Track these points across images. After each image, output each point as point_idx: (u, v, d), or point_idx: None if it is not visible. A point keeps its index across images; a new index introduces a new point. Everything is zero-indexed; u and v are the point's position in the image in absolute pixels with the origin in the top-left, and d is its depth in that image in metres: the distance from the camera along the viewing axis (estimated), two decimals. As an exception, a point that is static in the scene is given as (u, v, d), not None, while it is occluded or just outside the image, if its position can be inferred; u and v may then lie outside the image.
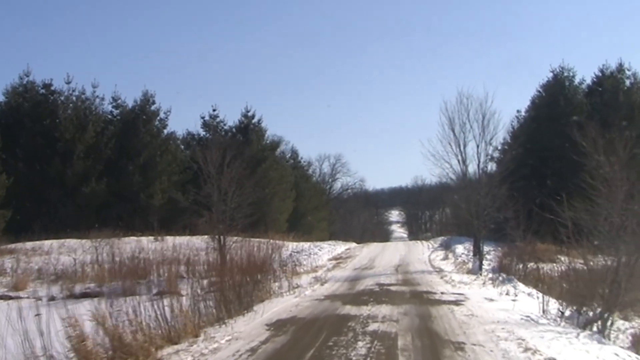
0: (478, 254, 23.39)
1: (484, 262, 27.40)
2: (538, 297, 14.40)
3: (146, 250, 28.80)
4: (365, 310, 13.18)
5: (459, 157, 23.25)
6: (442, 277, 20.84)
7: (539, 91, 42.59)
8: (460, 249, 32.27)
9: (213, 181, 24.31)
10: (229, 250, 24.14)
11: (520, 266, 25.20)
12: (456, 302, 14.20)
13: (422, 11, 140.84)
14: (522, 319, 11.51)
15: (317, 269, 24.78)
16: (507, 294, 15.77)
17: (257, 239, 33.72)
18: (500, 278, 19.43)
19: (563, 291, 14.84)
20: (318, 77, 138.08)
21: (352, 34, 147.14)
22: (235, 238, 24.45)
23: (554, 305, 12.92)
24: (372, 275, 21.84)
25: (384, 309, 13.17)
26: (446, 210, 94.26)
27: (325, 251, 33.73)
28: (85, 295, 19.21)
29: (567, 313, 11.70)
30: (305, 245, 35.75)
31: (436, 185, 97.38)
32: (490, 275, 22.05)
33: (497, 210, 21.81)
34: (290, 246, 34.19)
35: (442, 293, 16.34)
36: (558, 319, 11.42)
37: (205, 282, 21.41)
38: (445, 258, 29.02)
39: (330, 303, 14.61)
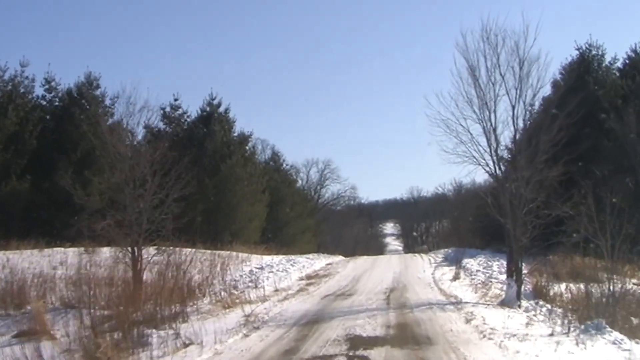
0: (515, 274, 15.45)
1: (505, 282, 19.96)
2: None
3: (67, 265, 21.98)
4: None
5: (485, 123, 15.25)
6: (468, 320, 12.52)
7: (562, 73, 35.29)
8: (473, 264, 24.85)
9: (125, 167, 17.06)
10: (145, 268, 16.84)
11: (563, 288, 17.91)
12: None
13: None
14: None
15: (270, 296, 17.17)
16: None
17: (209, 251, 26.69)
18: (580, 328, 10.91)
19: None
20: (311, 85, 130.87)
21: (347, 36, 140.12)
22: (155, 250, 17.10)
23: None
24: (346, 313, 13.93)
25: None
26: (443, 222, 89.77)
27: (298, 267, 26.31)
28: None
29: None
30: (276, 259, 28.36)
31: (432, 196, 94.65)
32: (530, 306, 14.72)
33: (545, 205, 14.06)
34: (255, 261, 26.91)
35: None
36: None
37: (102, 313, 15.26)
38: (456, 278, 21.39)
39: None
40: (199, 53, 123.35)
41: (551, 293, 17.40)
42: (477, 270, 22.83)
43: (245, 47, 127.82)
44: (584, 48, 35.06)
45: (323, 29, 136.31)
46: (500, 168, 15.25)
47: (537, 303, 15.88)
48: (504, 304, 14.77)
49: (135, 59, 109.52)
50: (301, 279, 22.99)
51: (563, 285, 18.21)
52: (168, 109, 38.46)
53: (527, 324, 11.99)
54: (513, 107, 15.29)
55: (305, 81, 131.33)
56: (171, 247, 17.68)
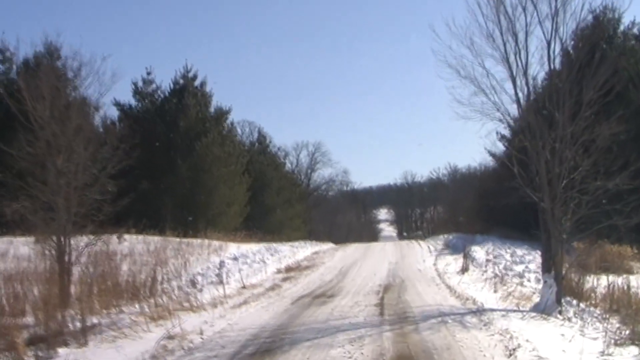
0: (553, 270, 11.78)
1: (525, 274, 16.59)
2: None
3: (8, 257, 18.49)
4: None
5: (515, 63, 11.48)
6: (509, 350, 8.02)
7: (573, 39, 31.71)
8: (480, 253, 21.42)
9: (47, 134, 13.65)
10: (75, 263, 13.39)
11: (595, 282, 14.54)
12: None
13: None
14: None
15: (231, 297, 13.66)
16: None
17: (178, 239, 23.30)
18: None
19: None
20: (301, 66, 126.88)
21: (337, 16, 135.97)
22: (86, 240, 13.59)
23: None
24: (319, 331, 9.68)
25: None
26: (438, 207, 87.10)
27: (278, 257, 22.93)
28: None
29: None
30: (254, 248, 24.91)
31: (427, 181, 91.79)
32: (563, 307, 11.32)
33: (594, 176, 10.39)
34: (230, 250, 23.48)
35: None
36: None
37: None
38: (465, 270, 17.95)
39: None
40: (184, 32, 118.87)
41: (584, 289, 14.09)
42: (487, 260, 19.39)
43: (233, 28, 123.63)
44: (597, 11, 31.45)
45: (313, 9, 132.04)
46: (532, 125, 11.44)
47: (570, 303, 12.51)
48: (542, 310, 10.99)
49: (110, 33, 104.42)
50: (279, 271, 19.58)
51: (593, 278, 14.95)
52: (140, 83, 35.09)
53: (604, 353, 7.90)
54: (548, 44, 11.72)
55: (294, 63, 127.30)
56: (112, 235, 14.21)
